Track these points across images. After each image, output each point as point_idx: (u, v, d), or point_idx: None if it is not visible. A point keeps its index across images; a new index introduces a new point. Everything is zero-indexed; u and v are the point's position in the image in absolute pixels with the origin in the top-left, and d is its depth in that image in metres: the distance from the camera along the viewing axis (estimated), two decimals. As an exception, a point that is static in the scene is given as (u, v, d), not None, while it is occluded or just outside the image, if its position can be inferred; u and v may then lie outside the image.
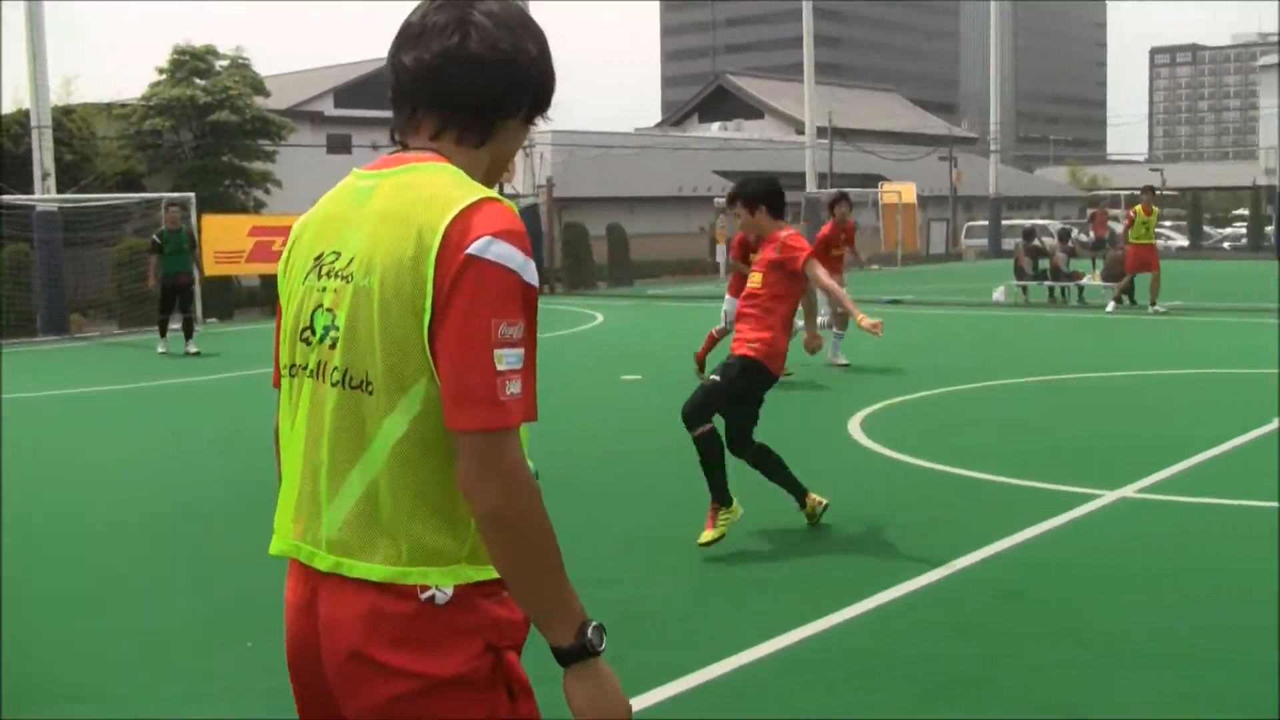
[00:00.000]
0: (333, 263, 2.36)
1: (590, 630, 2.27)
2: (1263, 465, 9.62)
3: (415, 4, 2.46)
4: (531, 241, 2.29)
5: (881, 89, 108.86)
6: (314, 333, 2.38)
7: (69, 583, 7.53)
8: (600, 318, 27.00)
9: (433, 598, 2.25)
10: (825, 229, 16.09)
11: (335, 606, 2.32)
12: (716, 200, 49.01)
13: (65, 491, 10.22)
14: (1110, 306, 24.54)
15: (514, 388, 2.18)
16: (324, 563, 2.33)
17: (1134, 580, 6.97)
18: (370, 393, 2.28)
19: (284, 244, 2.55)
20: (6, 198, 26.85)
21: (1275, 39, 53.92)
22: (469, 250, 2.18)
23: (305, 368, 2.40)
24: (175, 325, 20.99)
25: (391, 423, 2.26)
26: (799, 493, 7.99)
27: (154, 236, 20.97)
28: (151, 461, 11.41)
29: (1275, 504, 8.32)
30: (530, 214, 34.68)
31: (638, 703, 5.14)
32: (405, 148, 2.43)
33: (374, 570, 2.27)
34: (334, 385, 2.32)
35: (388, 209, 2.30)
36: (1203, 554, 7.48)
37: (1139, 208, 23.50)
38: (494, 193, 2.29)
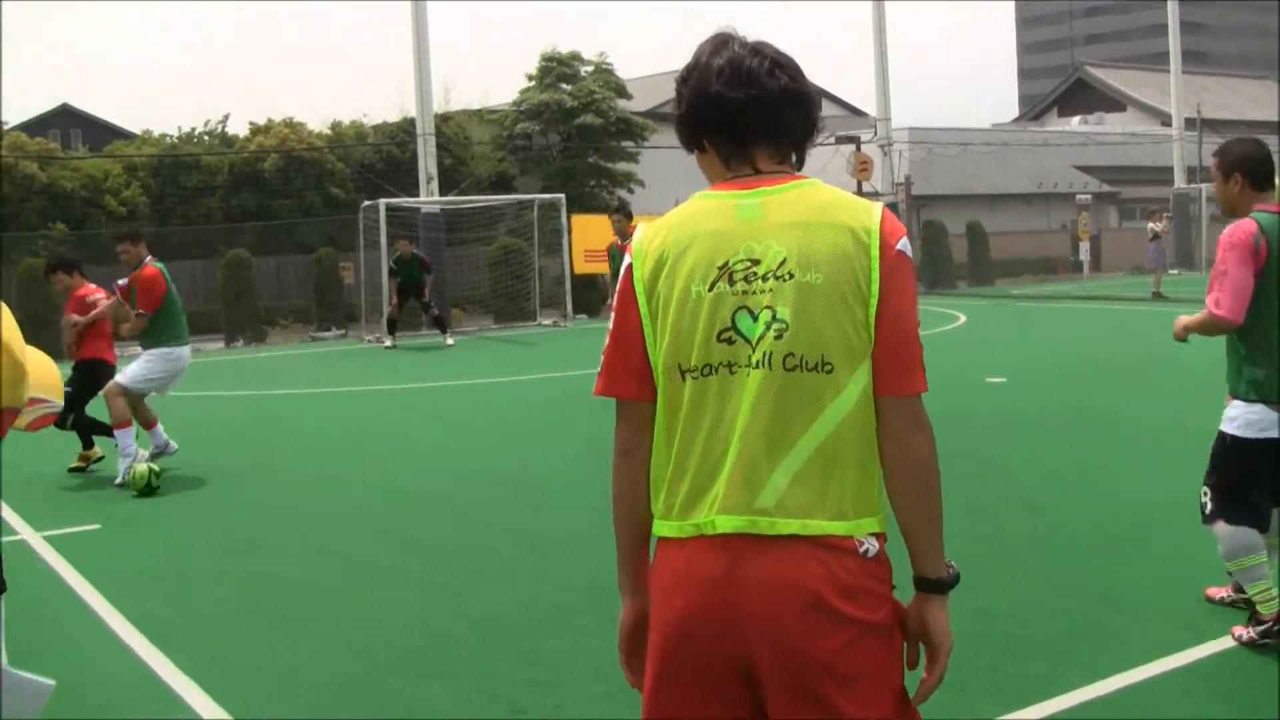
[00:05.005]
0: (750, 269, 2.64)
1: (953, 565, 2.75)
2: None
3: (716, 43, 2.78)
4: None
5: (1255, 76, 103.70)
6: (739, 332, 2.64)
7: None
8: (963, 318, 26.45)
9: (866, 551, 2.58)
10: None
11: (778, 568, 2.56)
12: (1079, 197, 47.87)
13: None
14: None
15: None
16: (787, 528, 2.57)
17: None
18: (829, 371, 2.60)
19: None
20: (395, 200, 28.76)
21: None
22: (897, 248, 2.65)
23: (730, 364, 2.64)
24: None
25: (847, 393, 2.61)
26: None
27: (390, 264, 24.60)
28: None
29: None
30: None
31: (1032, 712, 5.12)
32: (757, 171, 2.76)
33: (835, 526, 2.58)
34: (789, 370, 2.60)
35: (802, 218, 2.66)
36: None
37: None
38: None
